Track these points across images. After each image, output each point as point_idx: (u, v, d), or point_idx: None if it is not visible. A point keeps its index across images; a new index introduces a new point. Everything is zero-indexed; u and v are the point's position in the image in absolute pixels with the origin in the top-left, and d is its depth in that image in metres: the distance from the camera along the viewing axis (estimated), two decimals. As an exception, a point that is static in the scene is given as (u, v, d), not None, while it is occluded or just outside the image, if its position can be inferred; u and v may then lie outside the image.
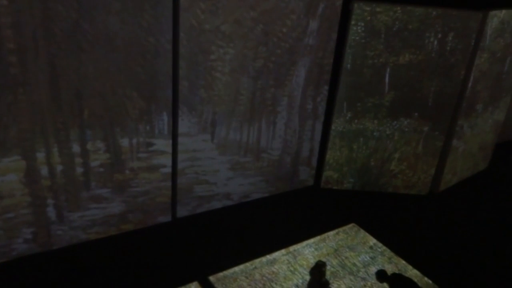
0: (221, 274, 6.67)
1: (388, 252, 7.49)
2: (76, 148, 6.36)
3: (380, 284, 6.69)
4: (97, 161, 6.59)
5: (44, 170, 6.24)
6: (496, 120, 9.90)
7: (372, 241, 7.73)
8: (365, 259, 7.27)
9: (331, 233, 7.84)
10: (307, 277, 6.75)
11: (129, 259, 6.79)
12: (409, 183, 9.13)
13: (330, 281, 6.68)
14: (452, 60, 8.15)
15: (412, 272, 7.03)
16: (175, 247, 7.18)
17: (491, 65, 8.69)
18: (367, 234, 7.84)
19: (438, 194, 9.30)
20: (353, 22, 7.72)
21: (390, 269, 7.11)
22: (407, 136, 8.67)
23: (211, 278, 6.57)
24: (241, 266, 6.85)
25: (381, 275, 6.03)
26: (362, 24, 7.75)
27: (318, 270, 6.26)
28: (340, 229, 7.93)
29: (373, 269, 7.01)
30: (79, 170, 6.50)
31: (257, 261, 7.00)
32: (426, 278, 6.94)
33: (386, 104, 8.36)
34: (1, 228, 6.15)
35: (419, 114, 8.49)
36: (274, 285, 6.59)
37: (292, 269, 6.94)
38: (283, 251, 7.28)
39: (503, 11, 8.23)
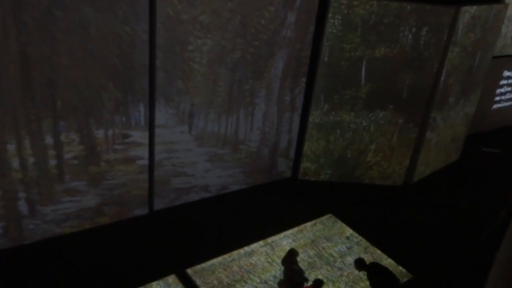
0: (199, 266, 6.65)
1: (364, 242, 7.61)
2: (49, 139, 6.19)
3: (356, 273, 6.80)
4: (71, 153, 6.44)
5: (15, 163, 6.06)
6: (467, 113, 10.15)
7: (349, 231, 7.83)
8: (342, 250, 7.37)
9: (309, 224, 7.91)
10: (285, 268, 6.81)
11: (105, 253, 6.68)
12: (384, 174, 9.28)
13: (307, 272, 6.75)
14: (425, 54, 8.29)
15: (387, 261, 7.17)
16: (152, 240, 7.10)
17: (463, 59, 8.88)
18: (343, 224, 7.95)
19: (412, 184, 9.49)
20: (330, 15, 7.74)
21: (366, 258, 7.18)
22: (382, 128, 8.79)
23: (189, 271, 6.54)
24: (219, 258, 6.84)
25: (359, 264, 6.12)
26: (339, 17, 7.78)
27: (289, 258, 6.32)
28: (317, 220, 8.01)
29: (350, 259, 7.11)
30: (52, 162, 6.34)
31: (235, 253, 7.00)
32: (400, 267, 7.09)
33: (362, 96, 8.45)
34: (-30, 222, 5.97)
35: (394, 107, 8.62)
36: (252, 276, 6.60)
37: (270, 260, 6.97)
38: (261, 242, 7.30)
39: (474, 7, 8.41)
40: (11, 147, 5.94)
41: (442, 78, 8.60)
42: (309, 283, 6.11)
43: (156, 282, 6.25)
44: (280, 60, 7.77)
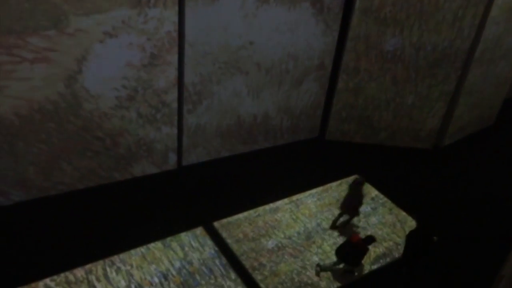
0: (225, 220, 6.88)
1: (389, 204, 7.65)
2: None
3: (380, 233, 6.91)
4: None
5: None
6: (505, 75, 9.76)
7: (374, 192, 7.88)
8: (366, 210, 7.44)
9: (334, 184, 7.98)
10: (309, 225, 6.97)
11: (138, 205, 6.98)
12: (414, 137, 9.15)
13: (331, 230, 6.90)
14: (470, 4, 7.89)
15: (411, 224, 7.21)
16: (181, 194, 7.36)
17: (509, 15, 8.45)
18: (369, 185, 7.97)
19: (442, 148, 9.34)
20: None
21: (390, 219, 7.30)
22: (412, 88, 8.59)
23: (216, 224, 6.79)
24: (245, 213, 7.06)
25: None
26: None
27: (355, 186, 6.71)
28: (343, 180, 8.06)
29: (374, 220, 7.21)
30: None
31: (260, 209, 7.20)
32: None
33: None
34: None
35: (427, 63, 8.34)
36: (277, 232, 6.81)
37: (294, 217, 7.14)
38: (286, 200, 7.46)
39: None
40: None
41: (482, 36, 8.25)
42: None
43: (185, 233, 6.54)
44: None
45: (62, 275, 5.64)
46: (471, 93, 9.07)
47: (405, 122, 8.99)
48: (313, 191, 7.75)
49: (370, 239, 6.00)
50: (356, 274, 6.27)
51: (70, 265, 5.75)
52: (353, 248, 5.92)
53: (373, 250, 6.54)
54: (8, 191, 6.45)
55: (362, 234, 6.75)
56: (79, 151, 6.73)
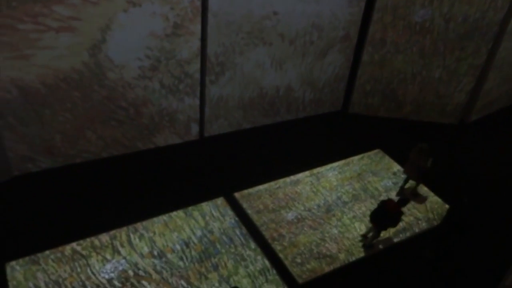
0: (246, 191, 6.95)
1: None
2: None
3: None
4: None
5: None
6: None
7: (396, 167, 7.80)
8: (388, 185, 7.40)
9: (356, 157, 7.94)
10: (329, 198, 6.99)
11: (159, 175, 7.11)
12: (439, 111, 8.97)
13: (351, 203, 6.91)
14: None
15: (433, 199, 7.15)
16: (203, 165, 7.44)
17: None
18: (391, 160, 7.91)
19: (469, 123, 9.13)
20: None
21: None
22: (440, 60, 8.37)
23: (236, 195, 6.87)
24: (266, 185, 7.11)
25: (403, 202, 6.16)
26: None
27: (418, 152, 6.64)
28: (365, 154, 8.01)
29: (395, 195, 7.16)
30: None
31: (281, 181, 7.23)
32: (446, 205, 7.06)
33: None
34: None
35: (456, 35, 8.08)
36: (297, 204, 6.85)
37: (314, 190, 7.16)
38: (307, 173, 7.47)
39: None
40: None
41: (515, 9, 7.93)
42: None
43: (206, 203, 6.63)
44: (337, -13, 7.45)
45: (88, 240, 5.83)
46: (502, 68, 8.78)
47: (431, 96, 8.79)
48: (334, 164, 7.73)
49: (404, 201, 6.06)
50: (380, 245, 6.28)
51: (95, 231, 5.93)
52: (388, 212, 5.94)
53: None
54: (36, 158, 6.64)
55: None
56: (103, 120, 6.84)
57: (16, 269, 5.37)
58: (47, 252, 5.60)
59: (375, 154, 8.09)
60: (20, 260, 5.47)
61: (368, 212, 6.38)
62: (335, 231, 6.46)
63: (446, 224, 6.15)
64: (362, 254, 6.17)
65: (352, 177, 7.49)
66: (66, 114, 6.51)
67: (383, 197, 7.13)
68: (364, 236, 6.33)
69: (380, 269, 6.04)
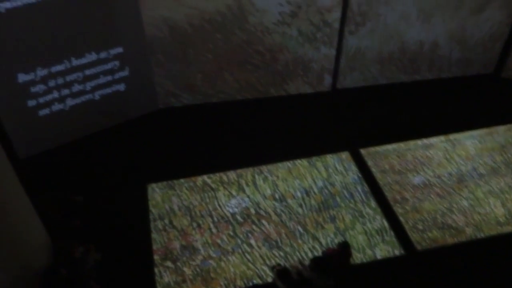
0: (372, 149, 6.76)
1: None
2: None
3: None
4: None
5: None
6: None
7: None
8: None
9: (502, 128, 7.13)
10: (463, 168, 6.48)
11: (287, 122, 7.22)
12: None
13: (488, 176, 6.32)
14: None
15: None
16: (332, 117, 7.37)
17: None
18: (545, 136, 6.97)
19: None
20: None
21: None
22: None
23: (363, 151, 6.72)
24: (394, 145, 6.81)
25: None
26: None
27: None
28: (514, 125, 7.17)
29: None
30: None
31: (412, 143, 6.86)
32: None
33: None
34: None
35: None
36: (426, 169, 6.48)
37: (448, 156, 6.67)
38: (442, 137, 6.96)
39: None
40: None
41: None
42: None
43: (331, 155, 6.63)
44: None
45: (217, 174, 6.29)
46: None
47: None
48: (475, 132, 7.05)
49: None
50: None
51: (224, 168, 6.35)
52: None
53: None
54: (179, 94, 7.21)
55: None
56: (240, 63, 7.09)
57: (155, 191, 6.07)
58: (182, 180, 6.20)
59: (527, 126, 7.19)
60: (160, 184, 6.15)
61: (507, 189, 5.78)
62: (465, 203, 6.02)
63: None
64: (493, 232, 5.69)
65: (494, 149, 6.79)
66: (207, 54, 6.88)
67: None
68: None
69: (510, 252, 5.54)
